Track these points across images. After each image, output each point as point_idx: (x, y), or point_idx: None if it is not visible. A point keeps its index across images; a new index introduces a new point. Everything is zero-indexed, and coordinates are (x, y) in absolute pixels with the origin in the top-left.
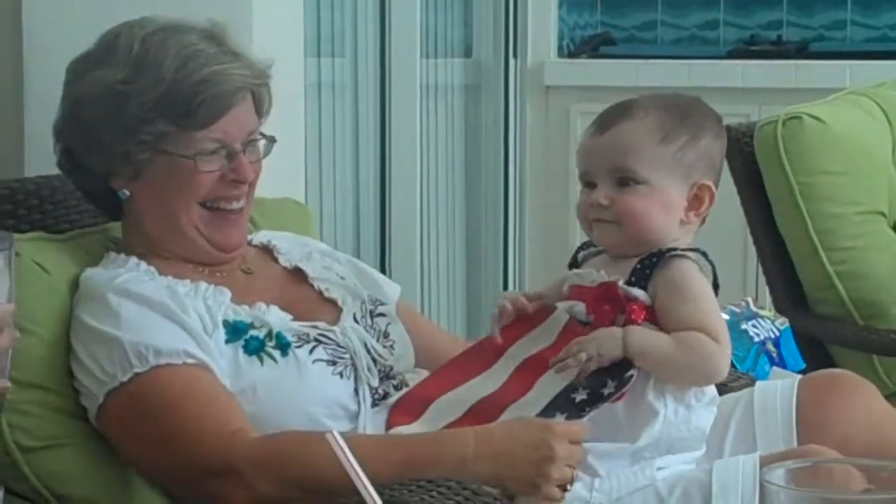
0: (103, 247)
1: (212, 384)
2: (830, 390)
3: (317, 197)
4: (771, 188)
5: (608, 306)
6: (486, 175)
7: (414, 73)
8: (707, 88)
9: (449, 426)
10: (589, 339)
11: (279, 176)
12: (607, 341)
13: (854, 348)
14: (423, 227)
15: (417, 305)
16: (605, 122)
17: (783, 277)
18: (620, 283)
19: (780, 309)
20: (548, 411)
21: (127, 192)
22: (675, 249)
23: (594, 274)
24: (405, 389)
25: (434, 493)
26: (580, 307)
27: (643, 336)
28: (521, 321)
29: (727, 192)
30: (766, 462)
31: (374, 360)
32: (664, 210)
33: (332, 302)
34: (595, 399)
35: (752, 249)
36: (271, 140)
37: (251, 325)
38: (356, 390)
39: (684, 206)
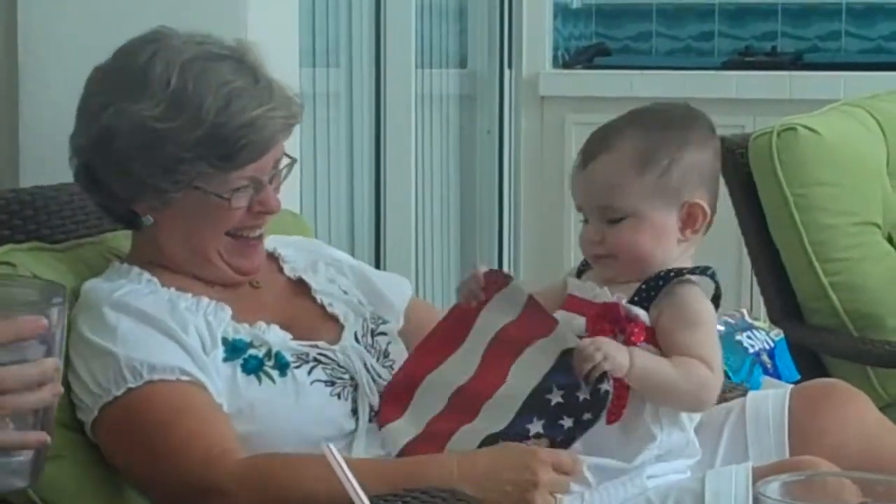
0: (103, 257)
1: (204, 403)
2: (823, 400)
3: (311, 207)
4: (765, 199)
5: (608, 325)
6: (481, 185)
7: (409, 83)
8: (702, 99)
9: (433, 420)
10: (597, 346)
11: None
12: (615, 353)
13: (848, 359)
14: (418, 237)
15: None
16: (586, 154)
17: (777, 288)
18: (623, 302)
19: (774, 320)
20: (524, 415)
21: (151, 220)
22: (680, 272)
23: (596, 289)
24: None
25: None
26: (579, 321)
27: (647, 357)
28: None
29: (721, 203)
30: (758, 472)
31: (374, 380)
32: (656, 237)
33: (334, 318)
34: (571, 405)
35: (747, 260)
36: (293, 163)
37: (250, 345)
38: (353, 411)
39: (678, 227)
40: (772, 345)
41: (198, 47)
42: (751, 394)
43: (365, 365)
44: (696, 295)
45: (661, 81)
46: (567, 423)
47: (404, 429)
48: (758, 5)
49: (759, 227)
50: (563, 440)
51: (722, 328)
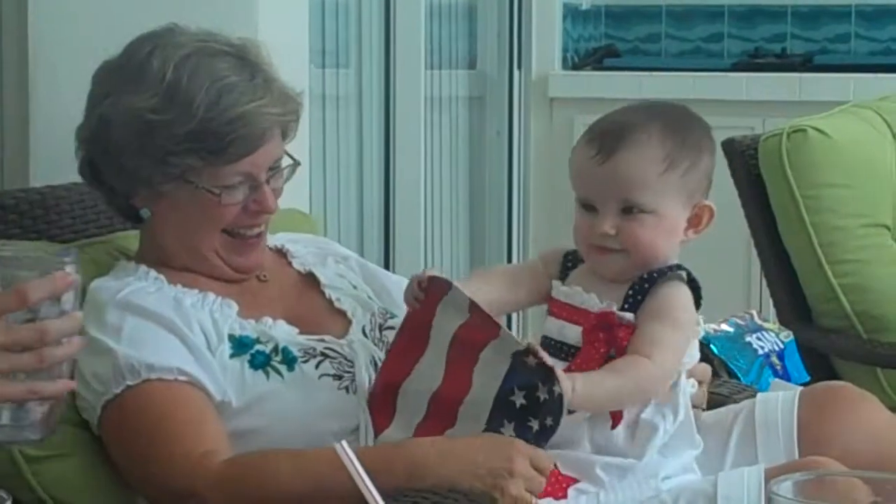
0: (110, 256)
1: (197, 403)
2: (832, 402)
3: (321, 207)
4: (775, 201)
5: (602, 334)
6: (490, 186)
7: (418, 85)
8: (711, 101)
9: (419, 427)
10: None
11: (284, 187)
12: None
13: (858, 361)
14: (427, 238)
15: None
16: (606, 147)
17: (787, 290)
18: (614, 309)
19: (784, 322)
20: (495, 420)
21: (148, 212)
22: (663, 272)
23: (583, 295)
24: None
25: None
26: (573, 330)
27: (588, 379)
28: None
29: (731, 205)
30: (769, 473)
31: None
32: (669, 236)
33: (342, 313)
34: (534, 405)
35: (757, 262)
36: (296, 164)
37: (257, 341)
38: (356, 406)
39: (684, 227)
40: (781, 346)
41: (199, 44)
42: (759, 396)
43: (373, 359)
44: (680, 295)
45: (671, 83)
46: (534, 424)
47: (396, 437)
48: (767, 7)
49: (769, 229)
50: (532, 443)
51: (731, 329)
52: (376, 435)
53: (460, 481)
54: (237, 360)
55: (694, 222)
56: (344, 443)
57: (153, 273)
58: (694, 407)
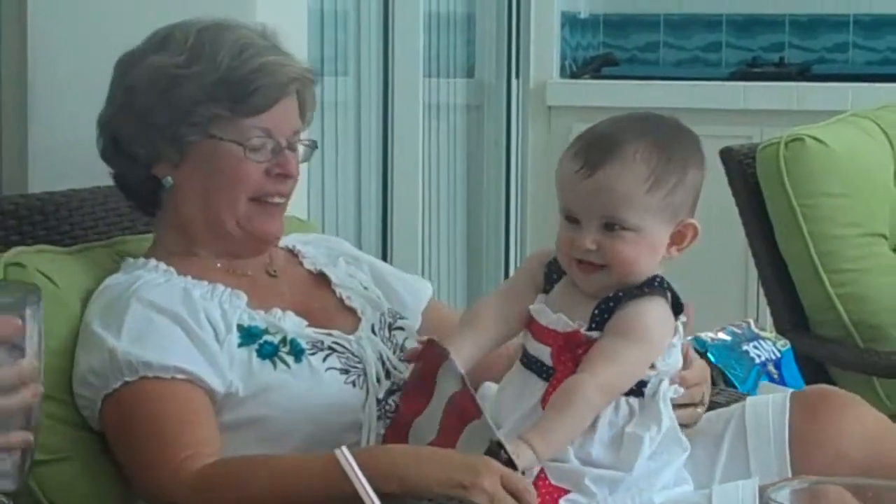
0: (112, 260)
1: (192, 404)
2: (822, 405)
3: (319, 214)
4: (772, 210)
5: (569, 354)
6: (488, 194)
7: (417, 93)
8: (709, 110)
9: None
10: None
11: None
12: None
13: (855, 370)
14: (425, 246)
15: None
16: (591, 161)
17: (784, 299)
18: (582, 330)
19: (781, 330)
20: None
21: (171, 180)
22: (630, 290)
23: (550, 316)
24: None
25: None
26: (545, 352)
27: (543, 431)
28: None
29: (729, 214)
30: (764, 489)
31: (388, 372)
32: (651, 253)
33: (352, 311)
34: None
35: (754, 271)
36: (313, 146)
37: (265, 331)
38: (367, 401)
39: (667, 244)
40: (778, 355)
41: (217, 22)
42: (749, 399)
43: (381, 356)
44: (649, 309)
45: (669, 92)
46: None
47: None
48: (766, 16)
49: (767, 238)
50: None
51: (728, 338)
52: None
53: (430, 486)
54: (245, 350)
55: (677, 239)
56: (344, 448)
57: (163, 266)
58: (684, 426)
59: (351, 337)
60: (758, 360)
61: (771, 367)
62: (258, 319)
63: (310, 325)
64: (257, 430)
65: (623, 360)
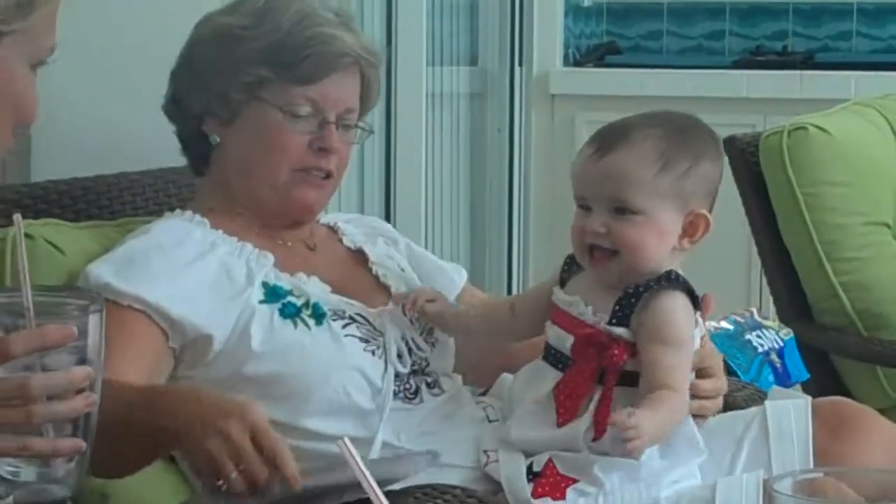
0: (122, 235)
1: (129, 336)
2: (842, 422)
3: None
4: (776, 198)
5: (592, 350)
6: (491, 182)
7: (420, 81)
8: (712, 98)
9: None
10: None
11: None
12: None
13: (858, 359)
14: (428, 234)
15: None
16: (603, 145)
17: (787, 288)
18: (602, 325)
19: (784, 319)
20: None
21: (217, 138)
22: (648, 284)
23: (581, 306)
24: None
25: (440, 502)
26: (569, 341)
27: (650, 421)
28: None
29: (732, 202)
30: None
31: (410, 350)
32: (660, 239)
33: (386, 288)
34: None
35: (757, 259)
36: (369, 130)
37: (290, 293)
38: (385, 371)
39: (678, 234)
40: (781, 344)
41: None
42: (768, 404)
43: (404, 336)
44: (675, 306)
45: (672, 80)
46: None
47: None
48: (769, 4)
49: (770, 227)
50: None
51: (731, 327)
52: None
53: (181, 425)
54: (267, 307)
55: (689, 231)
56: (346, 439)
57: (198, 217)
58: (696, 417)
59: (373, 311)
60: (760, 350)
61: (774, 357)
62: (284, 280)
63: (334, 292)
64: (278, 386)
65: (681, 366)
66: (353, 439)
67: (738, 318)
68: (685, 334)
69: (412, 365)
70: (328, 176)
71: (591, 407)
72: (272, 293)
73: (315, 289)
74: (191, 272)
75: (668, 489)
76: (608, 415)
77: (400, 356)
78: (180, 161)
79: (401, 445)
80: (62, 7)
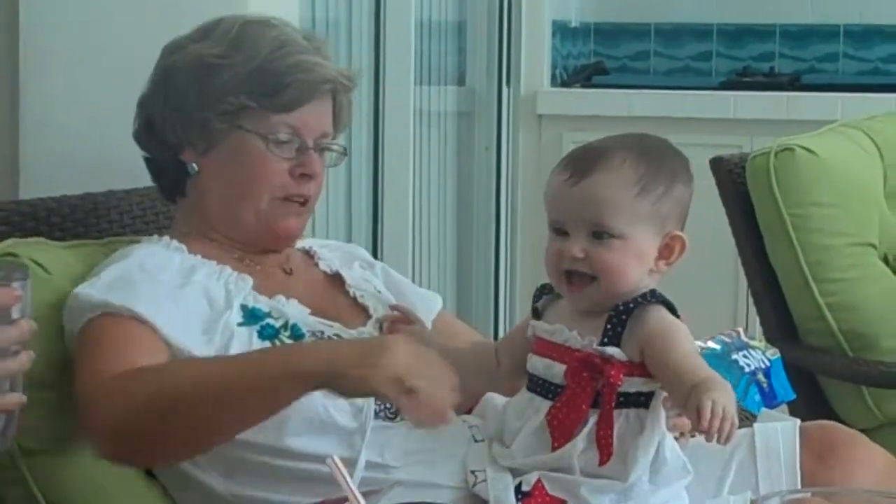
0: (106, 255)
1: (134, 333)
2: (829, 448)
3: (309, 220)
4: (762, 219)
5: (587, 374)
6: (478, 201)
7: (407, 100)
8: (699, 119)
9: None
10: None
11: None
12: (728, 398)
13: (844, 380)
14: (415, 252)
15: None
16: (579, 169)
17: (774, 308)
18: (594, 346)
19: (770, 339)
20: None
21: (196, 167)
22: (635, 300)
23: (566, 332)
24: None
25: None
26: (558, 369)
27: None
28: None
29: (719, 223)
30: None
31: None
32: (638, 262)
33: (363, 308)
34: None
35: (744, 279)
36: (343, 152)
37: (269, 314)
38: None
39: (655, 257)
40: (767, 364)
41: (265, 18)
42: (758, 426)
43: None
44: (665, 315)
45: (659, 101)
46: None
47: None
48: (756, 26)
49: (756, 247)
50: None
51: (718, 347)
52: None
53: (346, 367)
54: (245, 329)
55: (665, 253)
56: (335, 457)
57: (174, 243)
58: (680, 436)
59: (353, 332)
60: (747, 370)
61: (760, 377)
62: (262, 303)
63: (313, 314)
64: None
65: (694, 351)
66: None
67: (725, 339)
68: (683, 331)
69: None
70: (305, 202)
71: (586, 429)
72: (251, 315)
73: (294, 310)
74: (174, 297)
75: None
76: (610, 437)
77: None
78: None
79: (385, 464)
80: (49, 25)
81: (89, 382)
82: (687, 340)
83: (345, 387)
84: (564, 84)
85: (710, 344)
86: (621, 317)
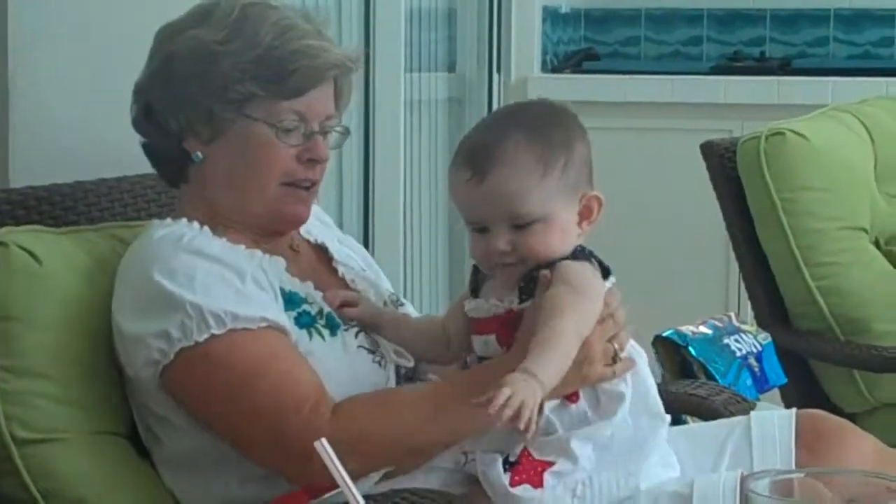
0: (105, 241)
1: (287, 350)
2: (820, 436)
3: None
4: (753, 204)
5: (513, 332)
6: None
7: (398, 87)
8: (690, 104)
9: None
10: (512, 394)
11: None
12: (526, 395)
13: (835, 363)
14: (407, 240)
15: None
16: (479, 169)
17: (765, 292)
18: (515, 306)
19: (762, 324)
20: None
21: (200, 156)
22: (550, 262)
23: (485, 305)
24: None
25: None
26: (493, 343)
27: (540, 362)
28: None
29: (710, 208)
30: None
31: (398, 352)
32: (563, 236)
33: (346, 285)
34: None
35: (735, 264)
36: (346, 133)
37: (304, 300)
38: (387, 381)
39: (576, 222)
40: (759, 348)
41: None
42: (754, 414)
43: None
44: (573, 266)
45: (650, 86)
46: None
47: None
48: (746, 11)
49: (747, 232)
50: None
51: (709, 332)
52: None
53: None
54: (286, 315)
55: (585, 214)
56: (324, 440)
57: (196, 225)
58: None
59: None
60: (739, 354)
61: (752, 361)
62: (297, 287)
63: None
64: None
65: (571, 309)
66: None
67: (717, 323)
68: (587, 283)
69: (400, 369)
70: (312, 185)
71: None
72: (289, 300)
73: (319, 295)
74: (254, 282)
75: (647, 481)
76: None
77: (396, 366)
78: None
79: None
80: (38, 14)
81: (282, 427)
82: (570, 311)
83: None
84: (555, 70)
85: (702, 329)
86: (532, 273)
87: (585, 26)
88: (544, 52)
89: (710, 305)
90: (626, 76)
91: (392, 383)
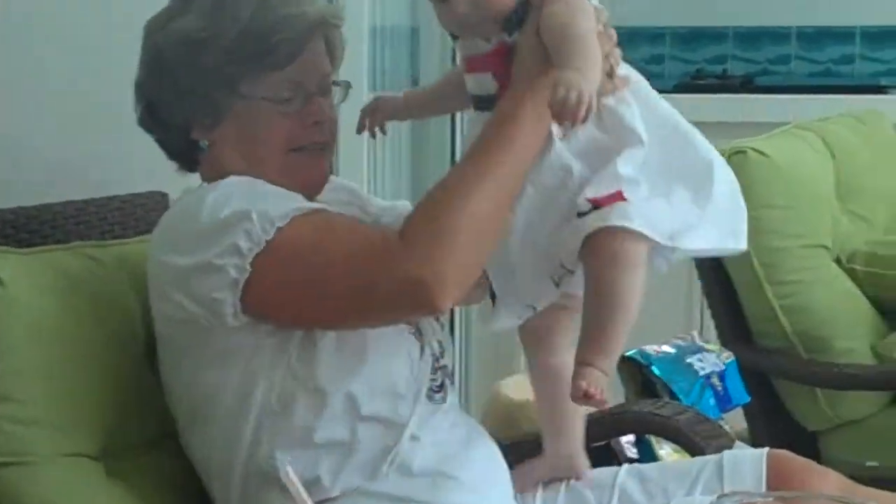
0: (77, 259)
1: (339, 216)
2: (786, 483)
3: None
4: None
5: (508, 64)
6: None
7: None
8: None
9: None
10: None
11: None
12: (584, 85)
13: (798, 381)
14: None
15: None
16: None
17: (728, 311)
18: (506, 38)
19: (724, 342)
20: None
21: (206, 143)
22: None
23: (478, 43)
24: None
25: None
26: (488, 80)
27: (589, 68)
28: None
29: None
30: None
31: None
32: None
33: None
34: None
35: (698, 283)
36: (347, 86)
37: None
38: (421, 348)
39: None
40: (722, 367)
41: None
42: (727, 453)
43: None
44: (567, 5)
45: None
46: None
47: None
48: (708, 28)
49: None
50: None
51: (672, 351)
52: None
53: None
54: None
55: None
56: (289, 468)
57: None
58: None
59: None
60: (702, 373)
61: (715, 380)
62: None
63: None
64: (335, 342)
65: (581, 16)
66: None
67: (680, 342)
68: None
69: (439, 351)
70: (324, 146)
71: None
72: None
73: None
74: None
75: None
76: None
77: (431, 342)
78: (125, 189)
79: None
80: (27, 32)
81: (369, 270)
82: (580, 19)
83: None
84: None
85: (665, 348)
86: (517, 8)
87: None
88: None
89: (674, 324)
90: None
91: (427, 357)
